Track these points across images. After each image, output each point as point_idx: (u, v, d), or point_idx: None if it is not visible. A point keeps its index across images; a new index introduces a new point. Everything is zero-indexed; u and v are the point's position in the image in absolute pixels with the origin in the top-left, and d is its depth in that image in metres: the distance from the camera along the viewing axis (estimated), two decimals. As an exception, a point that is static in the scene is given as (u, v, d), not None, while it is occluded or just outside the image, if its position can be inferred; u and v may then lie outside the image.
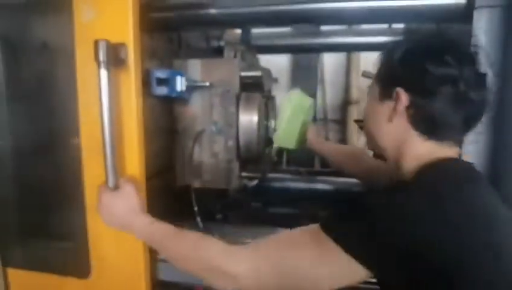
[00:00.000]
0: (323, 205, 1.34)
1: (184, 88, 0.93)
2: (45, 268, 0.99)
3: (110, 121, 0.76)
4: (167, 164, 1.04)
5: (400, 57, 0.69)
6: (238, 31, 1.35)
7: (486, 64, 0.66)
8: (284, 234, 0.70)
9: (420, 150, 0.68)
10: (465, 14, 0.78)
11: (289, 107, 1.22)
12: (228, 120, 1.00)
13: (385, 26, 1.41)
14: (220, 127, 1.01)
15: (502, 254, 0.57)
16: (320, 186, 1.38)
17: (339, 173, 1.35)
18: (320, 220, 0.65)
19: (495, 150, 0.79)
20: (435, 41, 0.68)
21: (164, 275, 0.95)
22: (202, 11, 0.91)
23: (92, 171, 0.87)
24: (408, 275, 0.56)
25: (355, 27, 1.53)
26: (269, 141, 1.17)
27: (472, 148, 0.79)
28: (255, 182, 1.13)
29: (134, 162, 0.85)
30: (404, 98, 0.66)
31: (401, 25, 1.34)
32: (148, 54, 0.90)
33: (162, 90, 0.90)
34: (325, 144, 1.32)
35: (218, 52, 1.31)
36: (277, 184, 1.41)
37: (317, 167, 2.61)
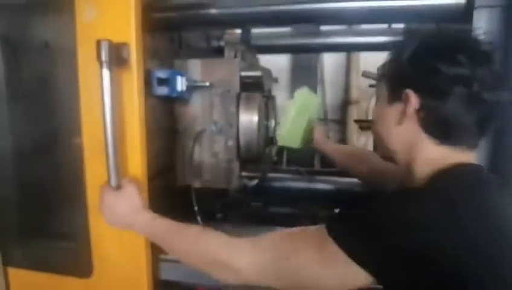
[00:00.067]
0: (323, 205, 1.35)
1: (184, 88, 0.93)
2: (47, 268, 0.99)
3: (112, 121, 0.76)
4: (167, 164, 1.04)
5: (409, 57, 0.66)
6: (238, 31, 1.35)
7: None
8: (289, 232, 0.69)
9: (432, 155, 0.65)
10: (464, 14, 0.78)
11: (294, 105, 1.21)
12: (228, 120, 1.00)
13: (385, 26, 1.41)
14: (220, 127, 1.01)
15: None
16: (320, 186, 1.38)
17: (339, 173, 1.35)
18: (326, 221, 0.64)
19: (495, 152, 0.79)
20: (446, 40, 0.65)
21: (166, 274, 0.95)
22: (203, 11, 0.91)
23: (94, 170, 0.87)
24: (415, 281, 0.54)
25: (355, 27, 1.53)
26: (269, 141, 1.17)
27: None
28: (255, 181, 1.13)
29: (137, 162, 0.85)
30: (414, 100, 0.63)
31: (401, 25, 1.35)
32: (149, 54, 0.90)
33: (163, 90, 0.90)
34: (331, 145, 1.30)
35: (219, 52, 1.31)
36: (277, 184, 1.41)
37: (317, 166, 2.61)
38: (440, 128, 0.64)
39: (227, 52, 1.15)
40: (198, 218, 0.94)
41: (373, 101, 1.55)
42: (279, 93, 1.34)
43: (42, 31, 0.95)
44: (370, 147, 2.28)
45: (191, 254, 0.75)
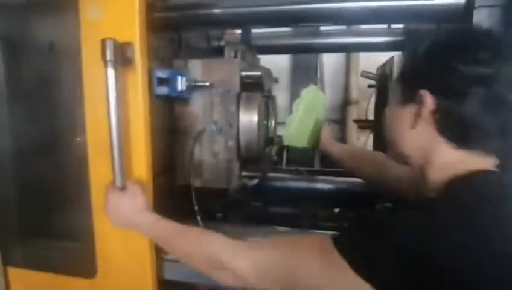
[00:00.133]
0: (323, 205, 1.35)
1: (184, 88, 0.93)
2: (51, 268, 0.99)
3: (117, 121, 0.76)
4: (168, 164, 1.04)
5: (424, 56, 0.62)
6: (238, 31, 1.35)
7: None
8: (293, 238, 0.69)
9: (448, 160, 0.61)
10: (464, 14, 0.78)
11: (302, 104, 1.19)
12: (228, 120, 1.00)
13: (385, 26, 1.41)
14: (220, 127, 1.01)
15: None
16: (320, 186, 1.38)
17: (339, 173, 1.35)
18: (336, 233, 0.60)
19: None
20: (464, 37, 0.61)
21: (170, 274, 0.95)
22: (206, 11, 0.91)
23: (98, 171, 0.87)
24: None
25: (355, 27, 1.53)
26: (269, 141, 1.17)
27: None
28: (255, 181, 1.13)
29: (141, 162, 0.85)
30: (429, 101, 0.59)
31: (400, 25, 1.35)
32: (152, 53, 0.91)
33: (163, 90, 0.90)
34: (339, 146, 1.24)
35: (219, 52, 1.31)
36: (277, 184, 1.41)
37: (317, 166, 2.61)
38: (457, 132, 0.60)
39: (228, 52, 1.14)
40: (198, 218, 0.94)
41: (372, 101, 1.55)
42: (279, 93, 1.34)
43: (46, 31, 0.95)
44: (370, 146, 2.28)
45: (193, 255, 0.75)
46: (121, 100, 0.77)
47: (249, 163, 1.08)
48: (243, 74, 1.01)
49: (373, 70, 1.38)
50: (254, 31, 1.38)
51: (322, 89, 3.03)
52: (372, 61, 1.47)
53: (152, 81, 0.90)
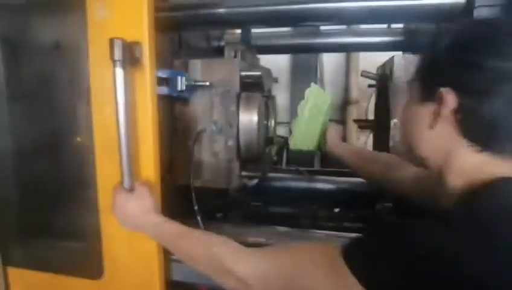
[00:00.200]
0: (323, 205, 1.34)
1: (184, 88, 0.93)
2: (57, 269, 0.99)
3: (126, 122, 0.75)
4: (168, 164, 1.04)
5: (446, 50, 0.57)
6: (238, 31, 1.35)
7: None
8: (300, 247, 0.67)
9: (469, 163, 0.57)
10: (464, 14, 0.78)
11: (307, 107, 1.16)
12: (228, 120, 1.00)
13: (385, 26, 1.41)
14: (220, 127, 1.01)
15: None
16: (320, 186, 1.38)
17: (339, 173, 1.35)
18: (343, 244, 0.57)
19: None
20: (490, 29, 0.56)
21: (178, 275, 0.94)
22: (207, 11, 0.91)
23: (105, 171, 0.87)
24: None
25: (354, 27, 1.53)
26: (269, 141, 1.17)
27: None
28: (255, 181, 1.13)
29: (149, 163, 0.85)
30: (450, 99, 0.55)
31: (400, 25, 1.35)
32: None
33: (163, 90, 0.90)
34: (346, 148, 1.20)
35: (219, 52, 1.31)
36: (277, 184, 1.40)
37: (317, 166, 2.61)
38: (481, 133, 0.55)
39: (227, 52, 1.15)
40: (198, 218, 0.94)
41: (372, 101, 1.55)
42: (279, 93, 1.34)
43: (52, 31, 0.95)
44: (370, 146, 2.28)
45: (199, 259, 0.74)
46: (129, 100, 0.77)
47: (249, 163, 1.08)
48: (243, 73, 1.01)
49: (373, 70, 1.38)
50: (254, 30, 1.38)
51: (322, 88, 3.03)
52: (371, 61, 1.47)
53: (153, 81, 0.90)
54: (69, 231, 1.01)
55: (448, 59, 0.57)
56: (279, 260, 0.65)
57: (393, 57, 1.08)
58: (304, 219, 1.25)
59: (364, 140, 2.94)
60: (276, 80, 1.40)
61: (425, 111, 0.60)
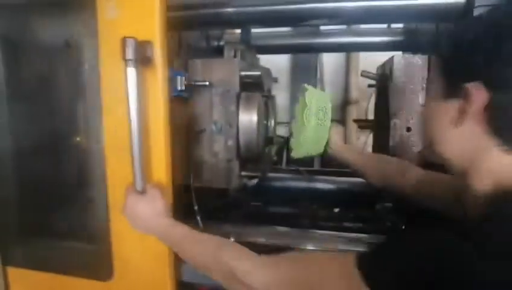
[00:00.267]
0: (323, 205, 1.34)
1: (184, 88, 0.93)
2: (67, 270, 0.98)
3: (138, 123, 0.73)
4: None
5: (473, 41, 0.51)
6: (238, 31, 1.35)
7: None
8: (312, 257, 0.65)
9: (498, 166, 0.52)
10: (464, 14, 0.78)
11: (312, 114, 1.07)
12: (228, 120, 1.00)
13: (385, 26, 1.41)
14: (220, 127, 1.01)
15: None
16: (320, 186, 1.38)
17: (339, 173, 1.35)
18: (359, 254, 0.54)
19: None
20: None
21: (189, 277, 0.93)
22: (208, 11, 0.91)
23: (116, 172, 0.85)
24: None
25: (354, 27, 1.53)
26: (269, 141, 1.17)
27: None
28: (255, 181, 1.13)
29: (161, 165, 0.83)
30: (478, 96, 0.50)
31: (400, 25, 1.35)
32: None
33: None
34: (353, 151, 1.16)
35: (219, 52, 1.31)
36: (277, 184, 1.40)
37: (317, 166, 2.61)
38: None
39: (227, 52, 1.15)
40: (198, 218, 0.94)
41: (372, 101, 1.55)
42: (279, 93, 1.34)
43: (63, 30, 0.94)
44: (369, 146, 2.28)
45: (209, 264, 0.73)
46: (141, 100, 0.75)
47: (249, 163, 1.08)
48: (243, 73, 1.01)
49: (373, 70, 1.38)
50: (254, 30, 1.38)
51: (322, 89, 3.03)
52: (371, 61, 1.47)
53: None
54: (79, 231, 1.00)
55: (476, 51, 0.51)
56: (292, 272, 0.63)
57: (393, 57, 1.08)
58: (304, 219, 1.25)
59: (364, 140, 2.94)
60: (276, 80, 1.40)
61: (450, 108, 0.55)
